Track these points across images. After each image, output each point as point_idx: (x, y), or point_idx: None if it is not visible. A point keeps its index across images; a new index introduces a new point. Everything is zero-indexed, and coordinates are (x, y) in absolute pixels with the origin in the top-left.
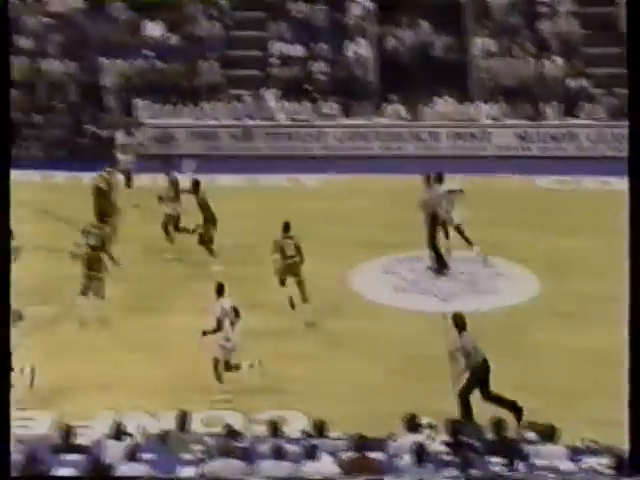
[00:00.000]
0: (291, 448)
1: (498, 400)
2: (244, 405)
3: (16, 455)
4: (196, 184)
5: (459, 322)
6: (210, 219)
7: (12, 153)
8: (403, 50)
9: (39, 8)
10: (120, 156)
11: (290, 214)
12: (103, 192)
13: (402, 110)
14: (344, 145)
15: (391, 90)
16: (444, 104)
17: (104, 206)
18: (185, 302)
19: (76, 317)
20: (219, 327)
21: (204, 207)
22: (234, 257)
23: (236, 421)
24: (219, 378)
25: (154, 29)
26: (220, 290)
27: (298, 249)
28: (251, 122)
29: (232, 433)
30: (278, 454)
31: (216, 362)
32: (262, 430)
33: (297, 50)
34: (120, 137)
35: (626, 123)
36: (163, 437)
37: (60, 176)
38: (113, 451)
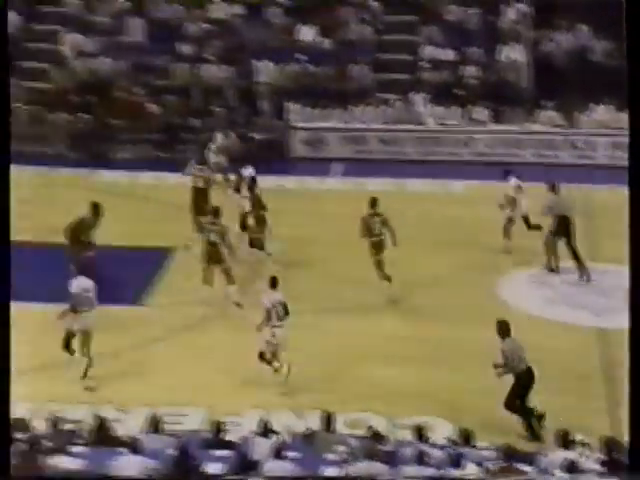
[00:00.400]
0: (435, 454)
1: (524, 410)
2: (389, 409)
3: (169, 450)
4: (253, 181)
5: (503, 328)
6: (261, 217)
7: (169, 157)
8: (560, 55)
9: (200, 15)
10: (213, 157)
11: (437, 219)
12: (201, 190)
13: (557, 117)
14: (494, 151)
15: (546, 96)
16: (602, 111)
17: (202, 203)
18: (326, 302)
19: (226, 315)
20: (268, 318)
21: (257, 205)
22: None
23: (380, 424)
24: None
25: (307, 33)
26: (274, 283)
27: (385, 224)
28: (400, 126)
29: (376, 436)
30: (422, 459)
31: (262, 354)
32: (406, 435)
33: (448, 54)
34: (220, 138)
35: None
36: (308, 436)
37: (217, 178)
38: (260, 448)
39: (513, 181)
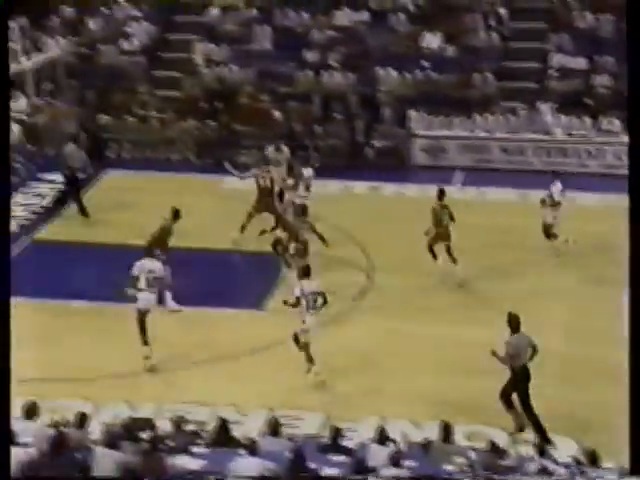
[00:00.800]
0: (559, 472)
1: (529, 412)
2: (510, 423)
3: (286, 453)
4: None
5: (513, 322)
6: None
7: (291, 162)
8: None
9: (326, 22)
10: (274, 157)
11: (563, 232)
12: (267, 189)
13: None
14: (624, 163)
15: None
16: None
17: (267, 202)
18: (442, 313)
19: (341, 320)
20: (296, 304)
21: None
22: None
23: (500, 438)
24: (302, 349)
25: (432, 40)
26: (306, 273)
27: (451, 217)
28: (525, 135)
29: (496, 450)
30: (544, 476)
31: (296, 336)
32: (528, 450)
33: (579, 62)
34: (271, 151)
35: None
36: (426, 446)
37: (334, 185)
38: (377, 455)
39: (557, 187)
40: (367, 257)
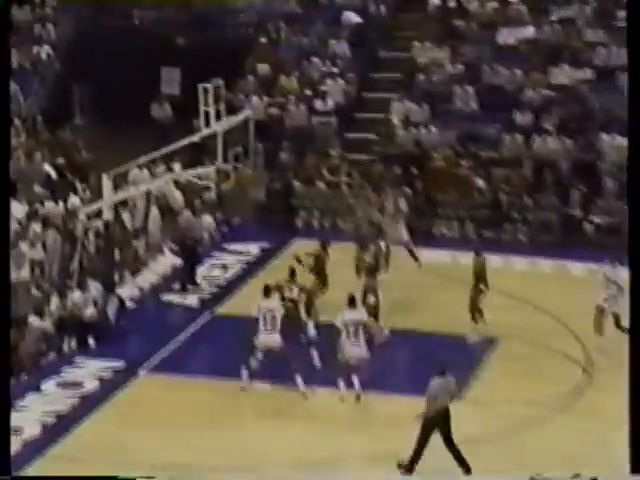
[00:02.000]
0: None
1: (452, 447)
2: None
3: None
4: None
5: (439, 368)
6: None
7: (494, 237)
8: None
9: (541, 80)
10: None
11: None
12: (322, 258)
13: None
14: None
15: None
16: None
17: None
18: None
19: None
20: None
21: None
22: None
23: None
24: None
25: None
26: (351, 302)
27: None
28: None
29: None
30: None
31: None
32: None
33: None
34: None
35: None
36: None
37: (546, 265)
38: None
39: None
40: (583, 349)
